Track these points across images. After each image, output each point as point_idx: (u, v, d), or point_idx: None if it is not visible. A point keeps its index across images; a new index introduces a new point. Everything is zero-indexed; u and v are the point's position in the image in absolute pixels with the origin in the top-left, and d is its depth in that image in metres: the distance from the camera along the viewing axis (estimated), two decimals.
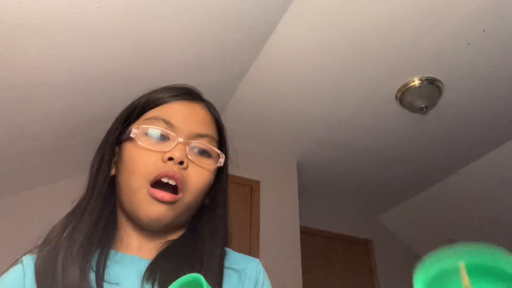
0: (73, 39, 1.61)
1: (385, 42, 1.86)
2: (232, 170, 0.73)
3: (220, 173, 0.68)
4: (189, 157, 0.61)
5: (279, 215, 2.48)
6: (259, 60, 1.99)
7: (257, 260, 0.66)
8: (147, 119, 0.63)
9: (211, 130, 0.66)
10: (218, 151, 0.65)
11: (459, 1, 1.66)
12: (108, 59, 1.74)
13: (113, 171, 0.64)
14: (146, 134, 0.61)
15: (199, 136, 0.63)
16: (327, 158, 2.75)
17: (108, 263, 0.56)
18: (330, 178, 2.99)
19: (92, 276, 0.54)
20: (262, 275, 0.64)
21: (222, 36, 1.75)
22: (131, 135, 0.61)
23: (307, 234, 2.97)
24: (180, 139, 0.60)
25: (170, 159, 0.59)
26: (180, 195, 0.59)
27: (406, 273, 3.32)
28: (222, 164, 0.65)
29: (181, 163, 0.59)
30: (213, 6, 1.60)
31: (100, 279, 0.53)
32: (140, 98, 0.69)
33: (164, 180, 0.58)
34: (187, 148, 0.61)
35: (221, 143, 0.70)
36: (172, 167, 0.58)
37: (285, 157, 2.73)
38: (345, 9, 1.71)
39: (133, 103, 0.68)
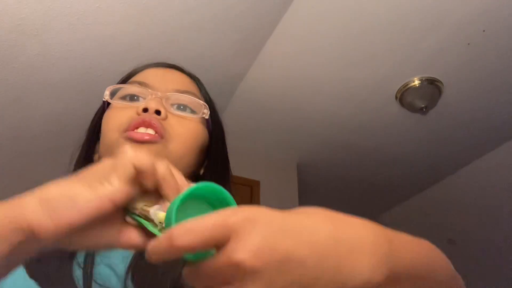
0: (73, 39, 1.61)
1: (385, 42, 1.86)
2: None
3: (212, 134, 0.62)
4: (168, 108, 0.55)
5: None
6: (259, 61, 1.99)
7: None
8: (124, 86, 0.60)
9: (191, 88, 0.61)
10: (201, 102, 0.58)
11: (459, 1, 1.66)
12: (108, 59, 1.74)
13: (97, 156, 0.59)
14: (121, 97, 0.57)
15: (179, 91, 0.58)
16: (327, 158, 2.75)
17: (97, 259, 0.51)
18: (330, 178, 2.99)
19: (79, 274, 0.49)
20: None
21: (222, 37, 1.75)
22: (104, 98, 0.57)
23: None
24: (155, 94, 0.55)
25: (145, 110, 0.53)
26: (163, 139, 0.52)
27: None
28: (207, 116, 0.58)
29: (158, 113, 0.53)
30: (213, 7, 1.60)
31: (88, 279, 0.49)
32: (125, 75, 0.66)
33: (141, 130, 0.51)
34: (164, 101, 0.55)
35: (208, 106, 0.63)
36: (149, 116, 0.52)
37: (285, 157, 2.73)
38: (345, 10, 1.71)
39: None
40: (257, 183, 2.53)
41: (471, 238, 3.19)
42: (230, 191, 0.59)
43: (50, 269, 0.49)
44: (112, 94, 0.58)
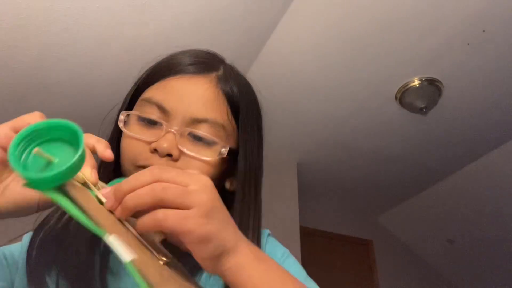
0: (73, 40, 1.61)
1: (385, 42, 1.86)
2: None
3: (240, 149, 0.59)
4: (181, 148, 0.53)
5: (279, 215, 2.48)
6: (259, 61, 1.99)
7: (264, 231, 0.60)
8: (142, 100, 0.57)
9: (214, 112, 0.56)
10: (217, 140, 0.54)
11: (459, 1, 1.66)
12: (108, 59, 1.74)
13: None
14: (140, 119, 0.55)
15: (197, 121, 0.54)
16: (327, 158, 2.75)
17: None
18: (330, 178, 2.99)
19: (97, 261, 0.51)
20: (264, 246, 0.59)
21: (222, 37, 1.75)
22: (118, 122, 0.56)
23: (307, 234, 2.97)
24: (171, 129, 0.53)
25: (157, 150, 0.52)
26: None
27: (406, 273, 3.33)
28: (224, 155, 0.55)
29: (170, 154, 0.52)
30: (213, 7, 1.61)
31: (103, 266, 0.51)
32: (145, 71, 0.63)
33: None
34: (178, 138, 0.53)
35: (237, 124, 0.59)
36: (158, 162, 0.52)
37: (285, 157, 2.73)
38: (345, 10, 1.71)
39: (138, 78, 0.63)
40: None
41: (471, 238, 3.19)
42: (258, 212, 0.61)
43: (70, 253, 0.51)
44: (128, 115, 0.57)
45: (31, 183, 0.35)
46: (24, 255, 0.53)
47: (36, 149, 0.36)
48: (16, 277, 0.52)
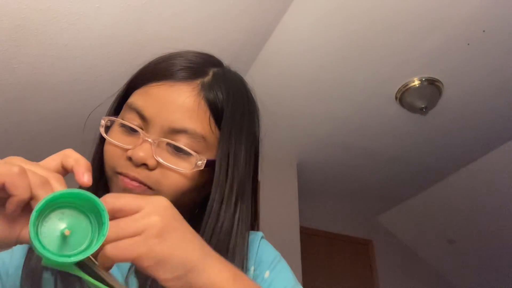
0: (73, 40, 1.61)
1: (385, 42, 1.86)
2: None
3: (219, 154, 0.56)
4: (157, 158, 0.51)
5: (279, 215, 2.48)
6: (259, 61, 1.99)
7: (257, 234, 0.59)
8: (126, 104, 0.57)
9: (194, 122, 0.53)
10: (193, 153, 0.52)
11: (459, 1, 1.66)
12: (108, 60, 1.74)
13: None
14: (121, 125, 0.54)
15: (175, 131, 0.52)
16: (327, 158, 2.75)
17: None
18: (330, 178, 2.99)
19: None
20: (256, 249, 0.57)
21: (222, 37, 1.75)
22: (100, 127, 0.56)
23: (307, 234, 2.97)
24: (148, 138, 0.51)
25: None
26: (151, 190, 0.52)
27: (406, 273, 3.33)
28: (201, 167, 0.53)
29: (145, 164, 0.51)
30: (213, 7, 1.60)
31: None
32: (135, 73, 0.62)
33: (126, 180, 0.52)
34: (154, 147, 0.51)
35: (222, 133, 0.56)
36: (133, 170, 0.51)
37: (285, 157, 2.73)
38: (345, 10, 1.71)
39: (128, 80, 0.63)
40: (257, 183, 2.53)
41: (471, 238, 3.19)
42: (252, 214, 0.58)
43: None
44: (111, 120, 0.56)
45: (53, 264, 0.34)
46: (17, 260, 0.53)
47: (67, 232, 0.35)
48: (7, 283, 0.52)
